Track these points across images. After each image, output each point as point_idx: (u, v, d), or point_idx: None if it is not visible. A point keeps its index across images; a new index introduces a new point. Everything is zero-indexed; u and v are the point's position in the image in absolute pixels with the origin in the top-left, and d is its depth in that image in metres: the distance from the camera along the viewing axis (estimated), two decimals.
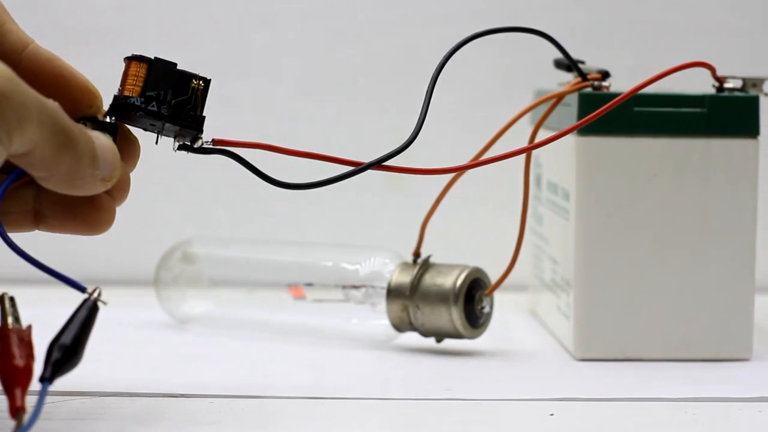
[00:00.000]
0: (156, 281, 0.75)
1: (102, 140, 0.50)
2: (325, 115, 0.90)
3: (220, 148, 0.54)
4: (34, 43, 0.53)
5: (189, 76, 0.53)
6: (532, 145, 0.64)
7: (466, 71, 0.89)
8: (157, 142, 0.54)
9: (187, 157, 0.55)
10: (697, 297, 0.66)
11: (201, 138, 0.54)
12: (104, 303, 0.49)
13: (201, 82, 0.54)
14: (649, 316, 0.66)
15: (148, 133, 0.54)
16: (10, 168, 0.50)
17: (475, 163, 0.61)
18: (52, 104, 0.47)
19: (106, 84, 0.54)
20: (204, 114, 0.54)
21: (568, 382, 0.62)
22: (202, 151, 0.54)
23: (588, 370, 0.64)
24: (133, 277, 0.85)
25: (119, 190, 0.53)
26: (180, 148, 0.54)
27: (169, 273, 0.74)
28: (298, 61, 0.90)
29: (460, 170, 0.61)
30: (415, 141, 0.56)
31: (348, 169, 0.55)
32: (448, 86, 0.87)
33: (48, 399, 0.46)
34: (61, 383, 0.48)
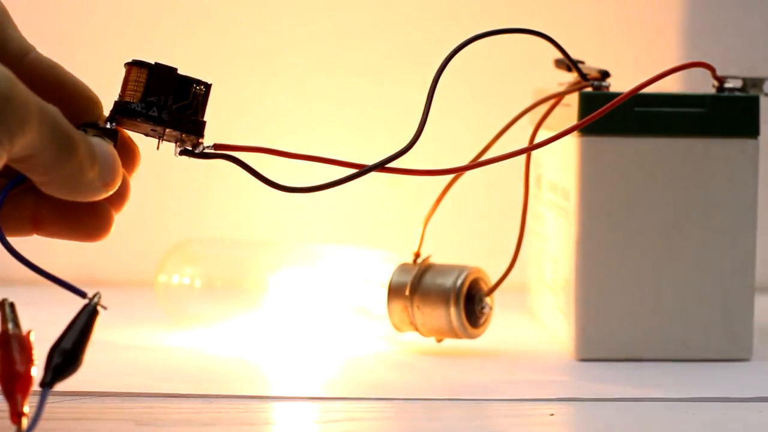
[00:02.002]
0: (156, 281, 0.75)
1: (103, 146, 0.50)
2: (327, 116, 0.90)
3: (221, 153, 0.54)
4: (36, 51, 0.52)
5: (190, 81, 0.53)
6: (532, 145, 0.64)
7: (467, 71, 0.88)
8: (158, 148, 0.54)
9: (188, 159, 0.55)
10: (697, 297, 0.66)
11: (202, 143, 0.54)
12: (104, 308, 0.49)
13: (202, 87, 0.53)
14: (649, 316, 0.66)
15: (148, 137, 0.54)
16: (10, 174, 0.49)
17: (475, 164, 0.60)
18: (53, 109, 0.47)
19: (105, 88, 0.54)
20: (205, 119, 0.53)
21: (568, 382, 0.62)
22: (204, 156, 0.54)
23: (588, 370, 0.64)
24: (133, 277, 0.85)
25: (118, 197, 0.53)
26: (182, 153, 0.54)
27: (169, 273, 0.74)
28: (298, 61, 0.90)
29: (459, 171, 0.61)
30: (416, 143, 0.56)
31: (350, 171, 0.55)
32: (449, 86, 0.87)
33: (48, 399, 0.46)
34: (59, 384, 0.48)
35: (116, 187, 0.51)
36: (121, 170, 0.51)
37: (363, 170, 0.55)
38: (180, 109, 0.53)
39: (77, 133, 0.48)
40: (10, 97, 0.44)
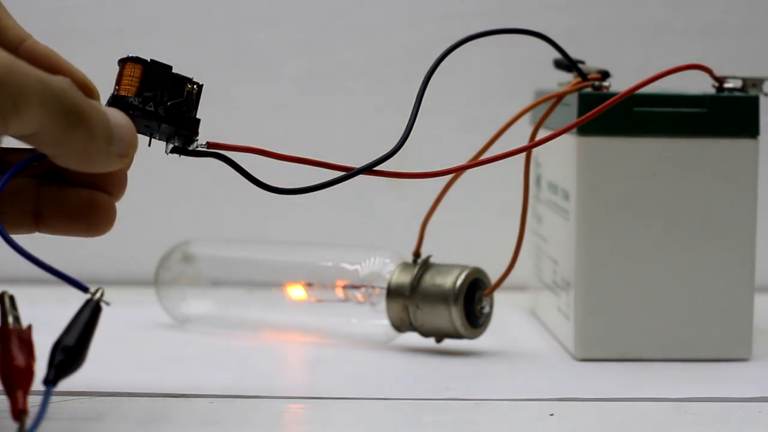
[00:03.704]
0: (156, 281, 0.75)
1: (117, 117, 0.50)
2: (326, 116, 0.90)
3: (212, 151, 0.54)
4: (32, 39, 0.52)
5: (183, 80, 0.53)
6: (531, 143, 0.64)
7: (467, 71, 0.89)
8: (150, 144, 0.54)
9: (187, 158, 0.55)
10: (696, 297, 0.66)
11: (197, 140, 0.54)
12: (107, 304, 0.48)
13: (195, 86, 0.54)
14: (649, 316, 0.66)
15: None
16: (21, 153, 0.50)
17: (474, 163, 0.61)
18: (61, 82, 0.46)
19: (100, 85, 0.54)
20: (198, 117, 0.54)
21: (568, 382, 0.62)
22: (195, 153, 0.54)
23: (588, 370, 0.64)
24: (133, 277, 0.85)
25: (117, 185, 0.53)
26: (173, 150, 0.54)
27: (169, 273, 0.74)
28: (298, 61, 0.90)
29: (457, 171, 0.61)
30: (405, 144, 0.56)
31: (339, 173, 0.55)
32: (449, 86, 0.87)
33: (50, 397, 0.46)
34: (61, 383, 0.48)
35: (132, 158, 0.50)
36: (137, 141, 0.50)
37: (351, 173, 0.55)
38: (175, 106, 0.53)
39: (88, 106, 0.48)
40: (2, 80, 0.44)
